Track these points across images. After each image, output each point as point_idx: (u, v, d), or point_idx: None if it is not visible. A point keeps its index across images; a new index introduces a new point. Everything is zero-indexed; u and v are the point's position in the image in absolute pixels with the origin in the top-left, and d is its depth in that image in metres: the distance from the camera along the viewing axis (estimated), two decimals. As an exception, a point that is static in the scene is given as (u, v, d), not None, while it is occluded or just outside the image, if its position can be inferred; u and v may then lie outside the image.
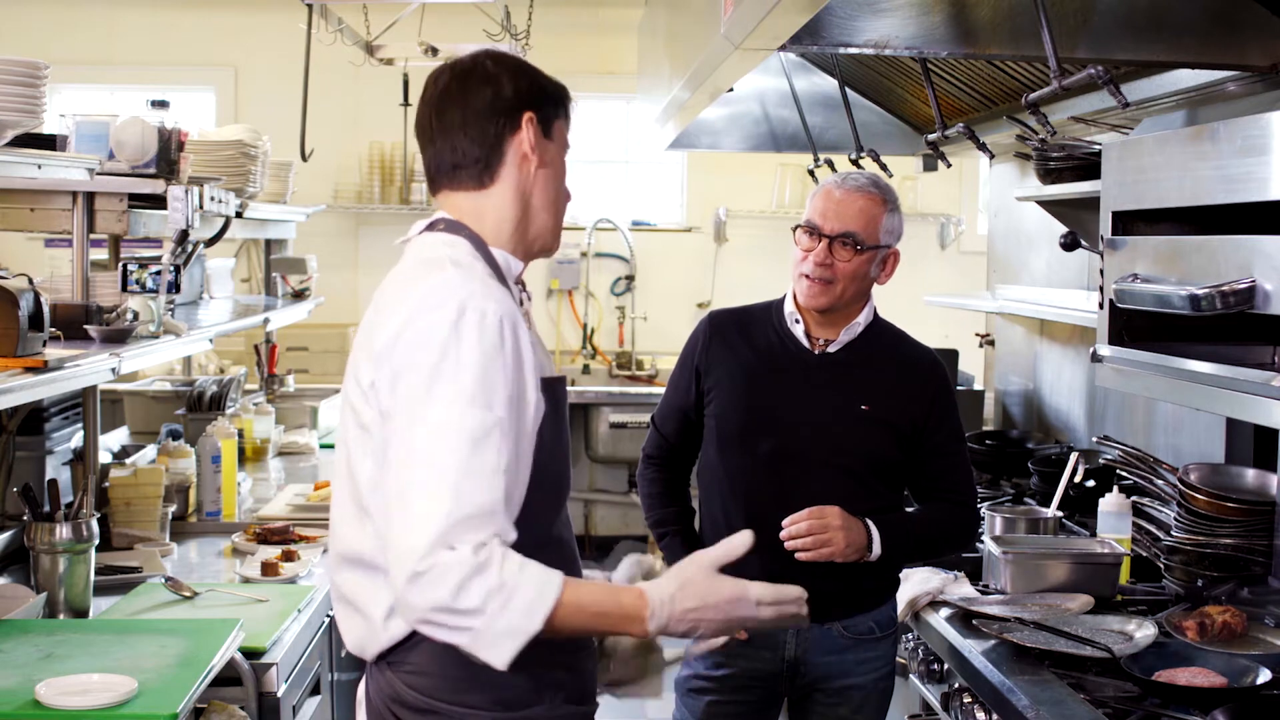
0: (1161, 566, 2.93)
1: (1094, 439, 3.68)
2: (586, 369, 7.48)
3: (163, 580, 2.99)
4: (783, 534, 2.52)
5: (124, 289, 3.21)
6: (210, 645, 2.46)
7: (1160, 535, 2.95)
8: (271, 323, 4.68)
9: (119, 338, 2.93)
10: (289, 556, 3.24)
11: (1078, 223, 3.41)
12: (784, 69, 4.10)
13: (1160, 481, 3.02)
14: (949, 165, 3.94)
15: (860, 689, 2.66)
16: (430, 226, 1.94)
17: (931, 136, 3.46)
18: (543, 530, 1.91)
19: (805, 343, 2.66)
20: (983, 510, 3.17)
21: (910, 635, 3.02)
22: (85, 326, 2.91)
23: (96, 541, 2.83)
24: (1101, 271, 2.40)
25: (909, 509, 2.73)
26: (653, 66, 4.61)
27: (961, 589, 2.95)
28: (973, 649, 2.58)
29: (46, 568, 2.76)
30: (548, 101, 1.94)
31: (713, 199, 7.67)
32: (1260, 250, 1.89)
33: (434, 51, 5.69)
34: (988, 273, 5.04)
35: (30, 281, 2.82)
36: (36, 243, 4.65)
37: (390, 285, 1.89)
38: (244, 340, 6.31)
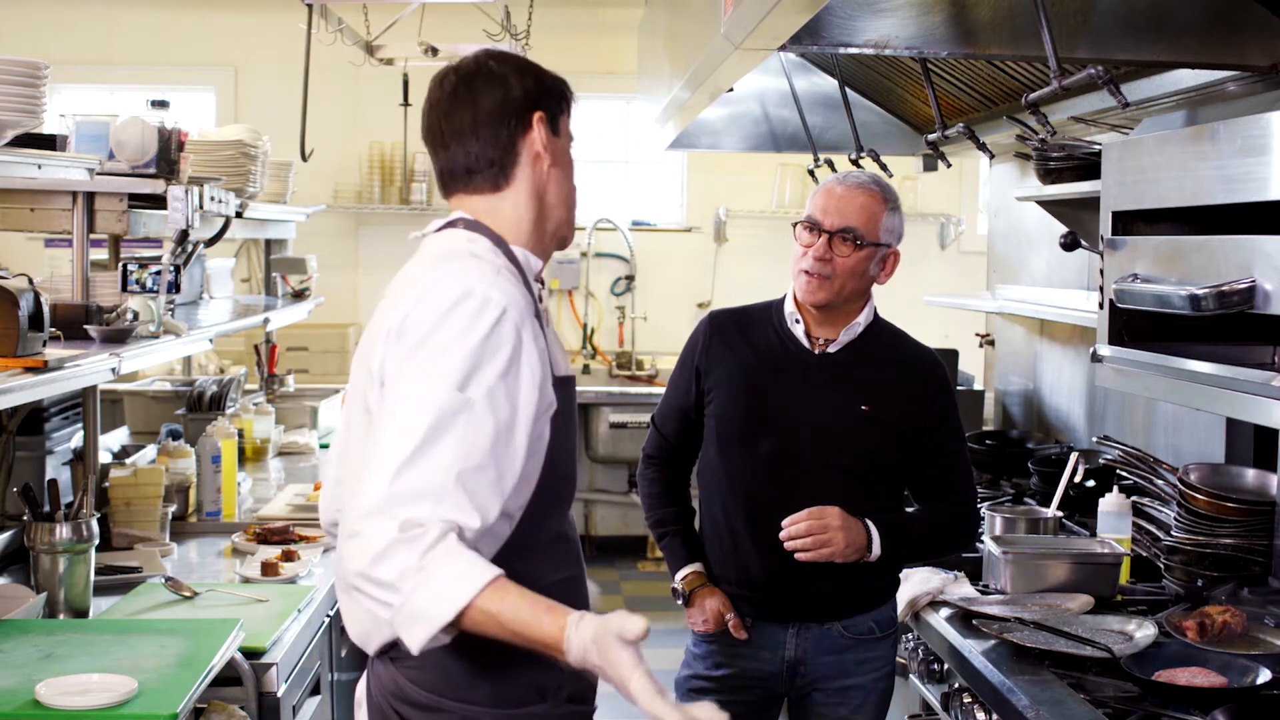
0: (1161, 566, 2.93)
1: (1094, 439, 3.68)
2: (586, 369, 7.48)
3: (163, 580, 2.99)
4: (782, 534, 2.52)
5: (124, 289, 3.21)
6: (210, 645, 2.46)
7: (1160, 535, 2.95)
8: (271, 323, 4.68)
9: (119, 338, 2.93)
10: (289, 556, 3.23)
11: (1078, 223, 3.41)
12: (784, 69, 4.10)
13: (1160, 481, 3.02)
14: (949, 165, 3.94)
15: (860, 689, 2.66)
16: (449, 224, 1.95)
17: (931, 136, 3.46)
18: (549, 528, 1.91)
19: (805, 343, 2.66)
20: (983, 510, 3.17)
21: (910, 635, 3.02)
22: (85, 326, 2.91)
23: (96, 541, 2.83)
24: (1101, 271, 2.40)
25: (909, 509, 2.74)
26: (653, 66, 4.61)
27: (961, 589, 2.95)
28: (973, 649, 2.58)
29: (46, 568, 2.76)
30: (553, 98, 1.96)
31: (713, 199, 7.68)
32: (1260, 250, 1.89)
33: (434, 51, 5.69)
34: (988, 273, 5.04)
35: (30, 281, 2.83)
36: (36, 243, 4.65)
37: (406, 274, 1.91)
38: (244, 340, 6.31)
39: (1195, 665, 2.35)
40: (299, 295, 5.31)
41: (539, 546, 1.89)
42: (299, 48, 5.13)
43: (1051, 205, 3.63)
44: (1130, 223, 2.36)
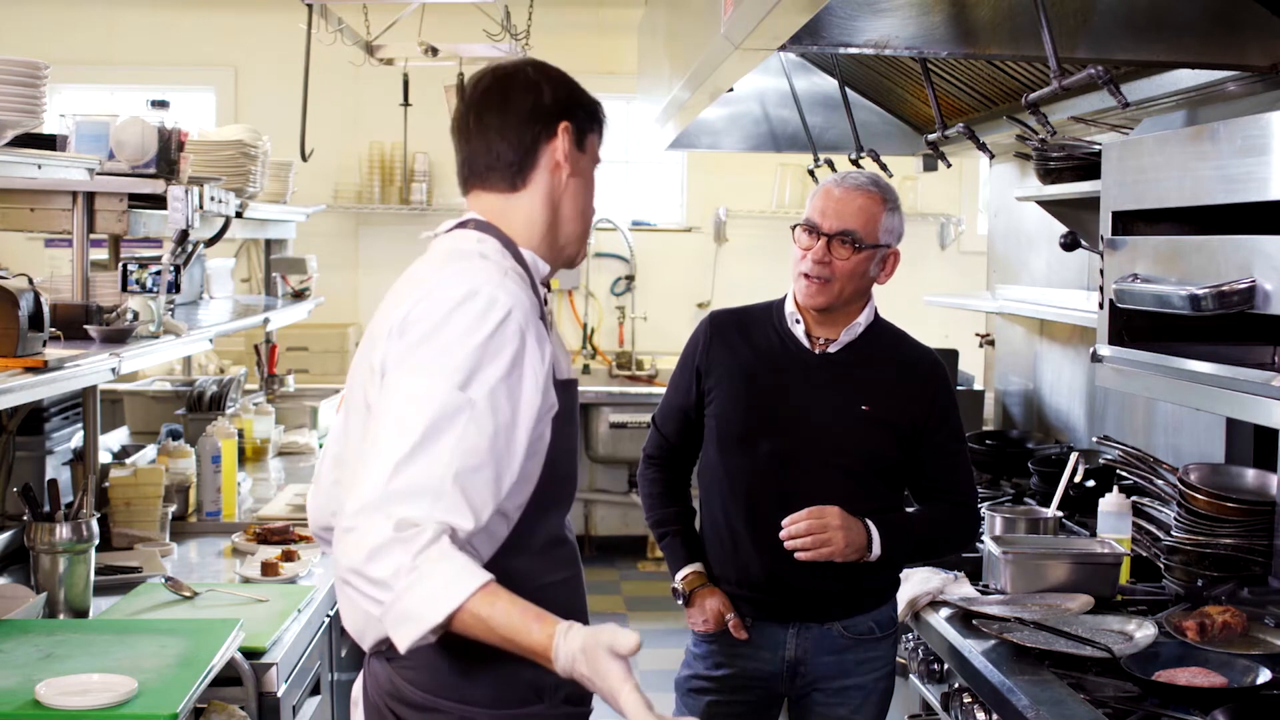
0: (1161, 566, 2.93)
1: (1094, 439, 3.68)
2: (586, 369, 7.48)
3: (163, 580, 2.99)
4: (782, 534, 2.52)
5: (124, 289, 3.20)
6: (210, 645, 2.46)
7: (1160, 535, 2.95)
8: (271, 323, 4.68)
9: (119, 338, 2.93)
10: (289, 556, 3.24)
11: (1078, 223, 3.41)
12: (784, 69, 4.10)
13: (1160, 481, 3.02)
14: (949, 165, 3.94)
15: (860, 689, 2.66)
16: (460, 225, 1.95)
17: (931, 136, 3.46)
18: (548, 528, 1.91)
19: (805, 343, 2.66)
20: (983, 510, 3.17)
21: (910, 635, 3.02)
22: (85, 326, 2.91)
23: (96, 541, 2.83)
24: (1101, 271, 2.39)
25: (909, 509, 2.74)
26: (653, 66, 4.61)
27: (961, 589, 2.95)
28: (973, 649, 2.58)
29: (46, 568, 2.76)
30: (584, 114, 1.98)
31: (713, 199, 7.68)
32: (1260, 250, 1.89)
33: (434, 51, 5.69)
34: (988, 273, 5.04)
35: (30, 281, 2.83)
36: (36, 243, 4.65)
37: (413, 273, 1.91)
38: (244, 340, 6.31)
39: (1195, 665, 2.35)
40: (299, 295, 5.31)
41: (537, 547, 1.89)
42: (299, 48, 5.13)
43: (1051, 205, 3.63)
44: (1130, 223, 2.36)
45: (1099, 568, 2.86)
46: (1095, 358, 2.43)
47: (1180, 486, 2.89)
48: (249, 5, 7.24)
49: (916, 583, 2.95)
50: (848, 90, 3.87)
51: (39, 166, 3.02)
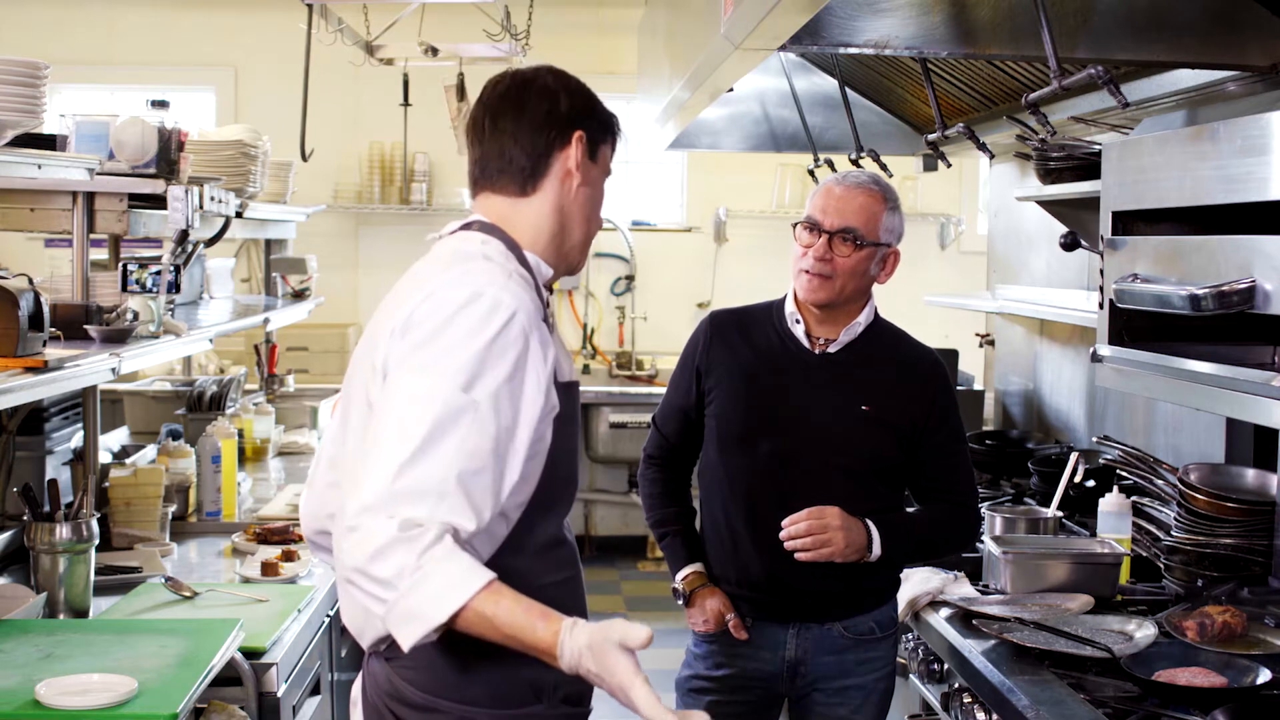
0: (1161, 566, 2.93)
1: (1094, 439, 3.68)
2: (586, 369, 7.48)
3: (163, 580, 2.99)
4: (782, 534, 2.52)
5: (124, 289, 3.20)
6: (210, 645, 2.46)
7: (1160, 535, 2.95)
8: (271, 323, 4.68)
9: (119, 338, 2.93)
10: (289, 556, 3.24)
11: (1078, 223, 3.41)
12: (784, 69, 4.10)
13: (1160, 481, 3.02)
14: (949, 165, 3.94)
15: (860, 689, 2.66)
16: (465, 226, 1.96)
17: (931, 136, 3.46)
18: (548, 529, 1.91)
19: (805, 343, 2.65)
20: (983, 510, 3.17)
21: (910, 635, 3.02)
22: (85, 326, 2.91)
23: (96, 541, 2.83)
24: (1101, 271, 2.39)
25: (909, 509, 2.74)
26: (653, 66, 4.61)
27: (961, 589, 2.95)
28: (973, 649, 2.58)
29: (46, 568, 2.76)
30: (599, 125, 1.99)
31: (713, 199, 7.68)
32: (1260, 250, 1.89)
33: (434, 51, 5.69)
34: (988, 273, 5.04)
35: (30, 281, 2.83)
36: (36, 243, 4.65)
37: (416, 273, 1.92)
38: (244, 340, 6.31)
39: (1195, 665, 2.35)
40: (299, 295, 5.31)
41: (536, 547, 1.89)
42: (299, 48, 5.13)
43: (1051, 205, 3.63)
44: (1130, 223, 2.36)
45: (1099, 568, 2.86)
46: (1095, 358, 2.43)
47: (1180, 486, 2.89)
48: (249, 5, 7.24)
49: (916, 583, 2.96)
50: (848, 90, 3.87)
51: (39, 166, 3.02)
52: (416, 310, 1.79)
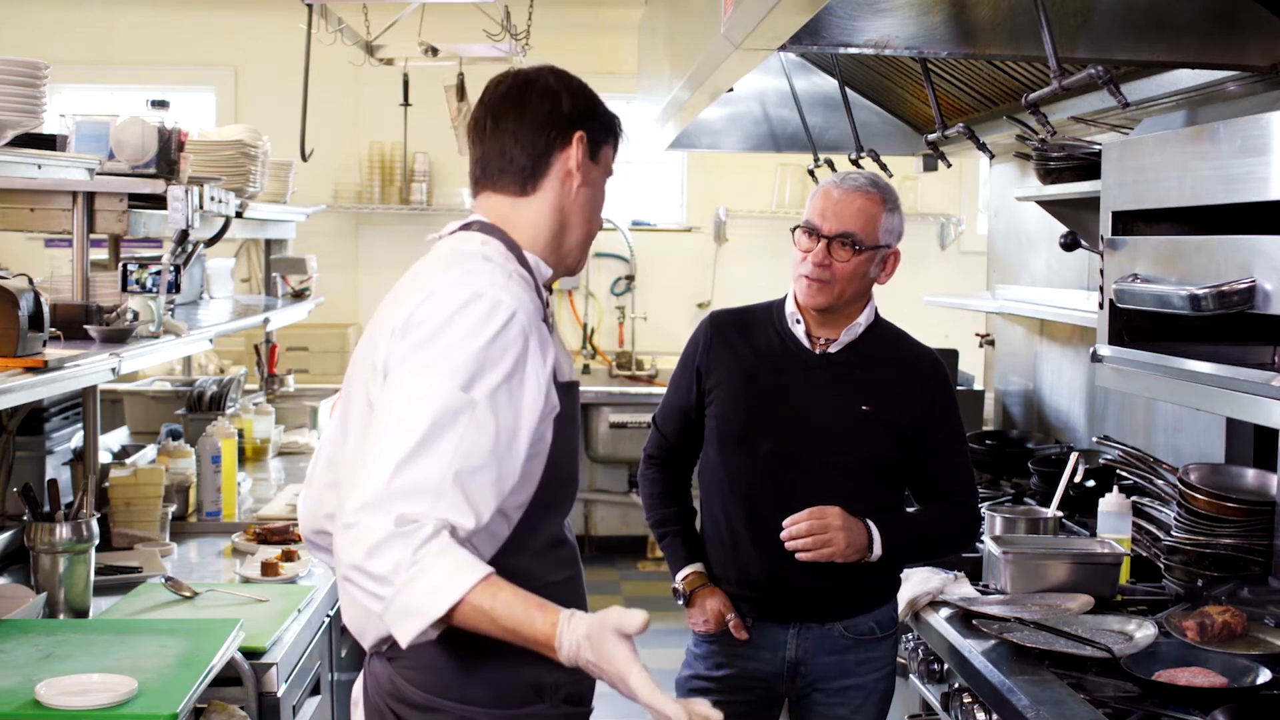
0: (1161, 566, 2.93)
1: (1094, 439, 3.68)
2: (586, 369, 7.48)
3: (163, 580, 2.99)
4: (783, 534, 2.52)
5: (124, 289, 3.20)
6: (210, 645, 2.46)
7: (1160, 535, 2.95)
8: (271, 323, 4.68)
9: (119, 338, 2.93)
10: (289, 556, 3.23)
11: (1078, 223, 3.41)
12: (784, 69, 4.10)
13: (1160, 481, 3.02)
14: (949, 165, 3.94)
15: (860, 689, 2.66)
16: (465, 226, 1.96)
17: (931, 136, 3.46)
18: (548, 529, 1.92)
19: (806, 343, 2.65)
20: (983, 510, 3.17)
21: (910, 635, 3.02)
22: (85, 326, 2.91)
23: (96, 541, 2.83)
24: (1101, 271, 2.39)
25: (909, 509, 2.74)
26: (653, 66, 4.61)
27: (961, 589, 2.95)
28: (973, 649, 2.58)
29: (46, 568, 2.76)
30: (600, 125, 1.99)
31: (713, 199, 7.68)
32: (1260, 250, 1.89)
33: (434, 51, 5.69)
34: (988, 273, 5.04)
35: (30, 281, 2.82)
36: (36, 243, 4.65)
37: (416, 273, 1.92)
38: (244, 340, 6.32)
39: (1195, 665, 2.35)
40: (299, 295, 5.31)
41: (537, 547, 1.90)
42: (299, 48, 5.13)
43: (1051, 205, 3.62)
44: (1130, 223, 2.36)
45: (1099, 568, 2.86)
46: (1095, 358, 2.43)
47: (1180, 486, 2.89)
48: (249, 5, 7.24)
49: (917, 583, 2.96)
50: (848, 90, 3.87)
51: (39, 166, 3.02)
52: (416, 310, 1.79)
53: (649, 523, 2.80)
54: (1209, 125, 2.08)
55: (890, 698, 2.73)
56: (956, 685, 2.68)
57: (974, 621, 2.69)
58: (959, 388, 4.53)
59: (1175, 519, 2.89)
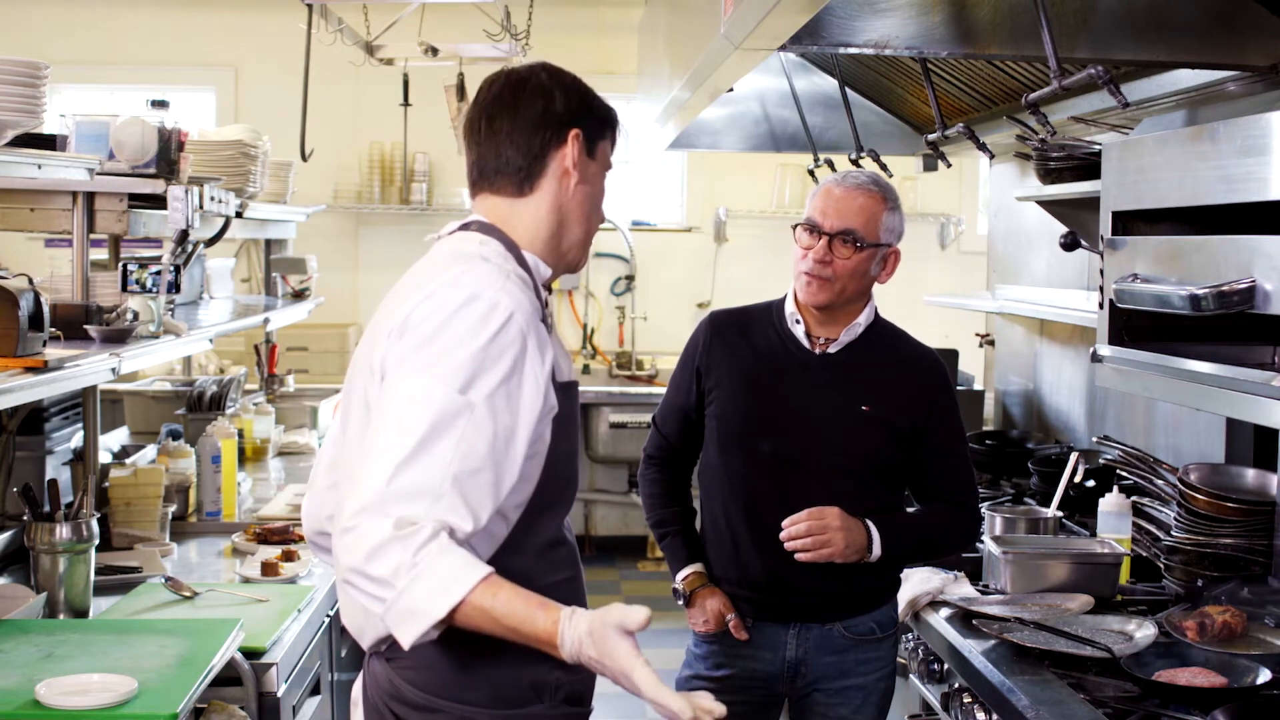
0: (1161, 566, 2.93)
1: (1094, 439, 3.68)
2: (586, 369, 7.48)
3: (163, 580, 2.99)
4: (782, 535, 2.52)
5: (124, 289, 3.20)
6: (210, 645, 2.46)
7: (1160, 535, 2.95)
8: (271, 323, 4.68)
9: (119, 338, 2.93)
10: (289, 556, 3.23)
11: (1078, 223, 3.41)
12: (784, 69, 4.10)
13: (1160, 481, 3.02)
14: (949, 165, 3.94)
15: (861, 689, 2.66)
16: (464, 227, 1.95)
17: (931, 136, 3.46)
18: (548, 529, 1.91)
19: (806, 343, 2.65)
20: (983, 510, 3.17)
21: (910, 635, 3.02)
22: (85, 326, 2.91)
23: (96, 541, 2.83)
24: (1101, 271, 2.39)
25: (909, 509, 2.74)
26: (653, 66, 4.61)
27: (961, 589, 2.95)
28: (973, 649, 2.58)
29: (46, 568, 2.76)
30: (595, 121, 1.98)
31: (713, 199, 7.68)
32: (1260, 250, 1.89)
33: (434, 51, 5.68)
34: (988, 273, 5.04)
35: (30, 281, 2.83)
36: (36, 243, 4.65)
37: (415, 273, 1.92)
38: (244, 340, 6.32)
39: (1195, 665, 2.35)
40: (299, 295, 5.31)
41: (536, 547, 1.90)
42: (299, 48, 5.13)
43: (1051, 205, 3.63)
44: (1130, 223, 2.36)
45: (1099, 568, 2.86)
46: (1095, 358, 2.43)
47: (1180, 486, 2.89)
48: (249, 5, 7.24)
49: (916, 583, 2.96)
50: (848, 90, 3.87)
51: (39, 166, 3.03)
52: (415, 311, 1.79)
53: (649, 523, 2.80)
54: (1209, 125, 2.08)
55: (890, 698, 2.73)
56: (956, 685, 2.68)
57: (974, 621, 2.69)
58: (959, 388, 4.53)
59: (1175, 519, 2.89)
